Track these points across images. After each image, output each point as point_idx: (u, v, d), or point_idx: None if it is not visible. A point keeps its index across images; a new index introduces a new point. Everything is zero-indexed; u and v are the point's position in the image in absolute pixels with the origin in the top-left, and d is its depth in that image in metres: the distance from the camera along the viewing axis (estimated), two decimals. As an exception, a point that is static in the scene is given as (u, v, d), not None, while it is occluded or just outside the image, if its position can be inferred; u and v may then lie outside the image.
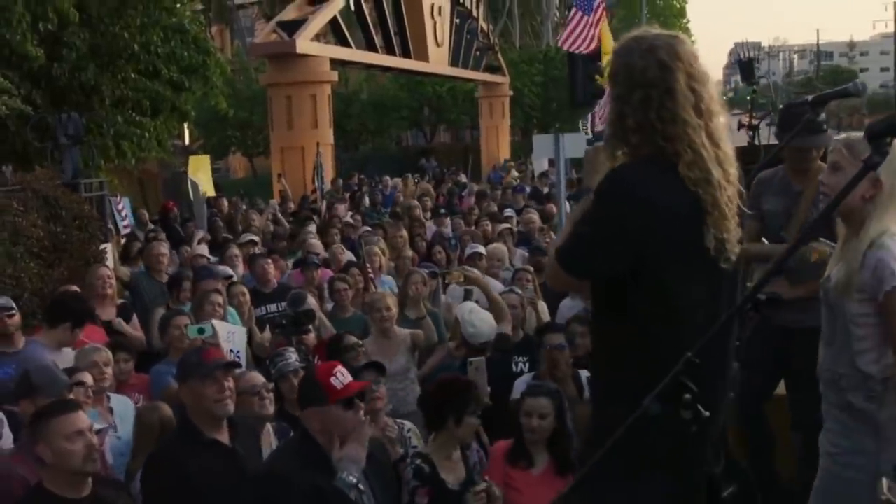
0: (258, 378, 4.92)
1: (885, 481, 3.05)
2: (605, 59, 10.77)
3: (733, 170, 2.71)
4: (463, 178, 25.75)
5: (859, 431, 3.20)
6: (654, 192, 2.62)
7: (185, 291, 7.53)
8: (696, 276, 2.65)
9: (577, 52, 11.38)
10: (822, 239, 4.46)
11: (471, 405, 4.47)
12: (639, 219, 2.60)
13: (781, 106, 4.87)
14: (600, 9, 11.29)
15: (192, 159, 15.68)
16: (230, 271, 8.53)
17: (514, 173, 25.08)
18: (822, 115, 4.36)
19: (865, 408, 3.18)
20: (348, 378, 3.92)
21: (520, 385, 5.70)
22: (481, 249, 8.98)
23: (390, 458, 4.50)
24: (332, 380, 3.85)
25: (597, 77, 11.16)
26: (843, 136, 3.30)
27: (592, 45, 11.32)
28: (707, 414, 2.05)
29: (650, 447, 2.48)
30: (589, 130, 13.86)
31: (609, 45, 11.08)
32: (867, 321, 3.17)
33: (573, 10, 11.34)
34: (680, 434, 2.14)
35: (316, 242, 10.17)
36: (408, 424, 5.04)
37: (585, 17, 11.08)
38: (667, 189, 2.62)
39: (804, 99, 3.77)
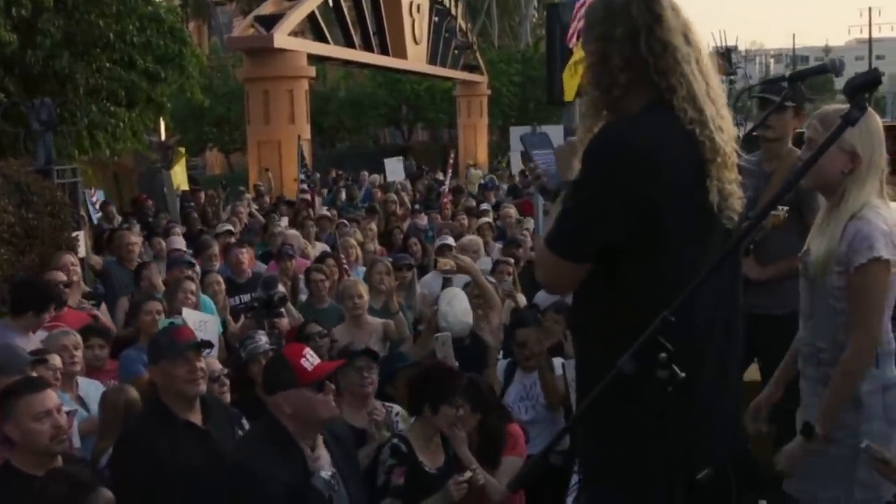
0: (215, 364, 4.90)
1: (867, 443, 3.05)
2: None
3: (726, 112, 2.50)
4: (440, 176, 25.74)
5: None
6: (649, 141, 2.38)
7: (147, 280, 7.49)
8: (699, 237, 2.42)
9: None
10: (778, 206, 4.45)
11: (449, 395, 4.41)
12: (635, 174, 2.34)
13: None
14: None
15: (178, 152, 15.67)
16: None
17: (474, 172, 25.17)
18: (801, 92, 4.36)
19: None
20: (317, 360, 3.85)
21: (498, 372, 5.77)
22: (450, 241, 8.97)
23: (353, 439, 4.46)
24: (303, 361, 3.76)
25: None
26: (816, 111, 3.27)
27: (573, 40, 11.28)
28: (683, 375, 2.01)
29: (633, 410, 2.32)
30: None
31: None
32: (846, 294, 3.14)
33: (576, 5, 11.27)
34: (659, 396, 2.07)
35: (293, 233, 10.14)
36: (396, 408, 4.98)
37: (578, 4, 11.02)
38: (664, 136, 2.40)
39: (782, 74, 3.76)
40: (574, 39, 11.02)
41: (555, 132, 10.87)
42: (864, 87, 1.97)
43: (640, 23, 2.42)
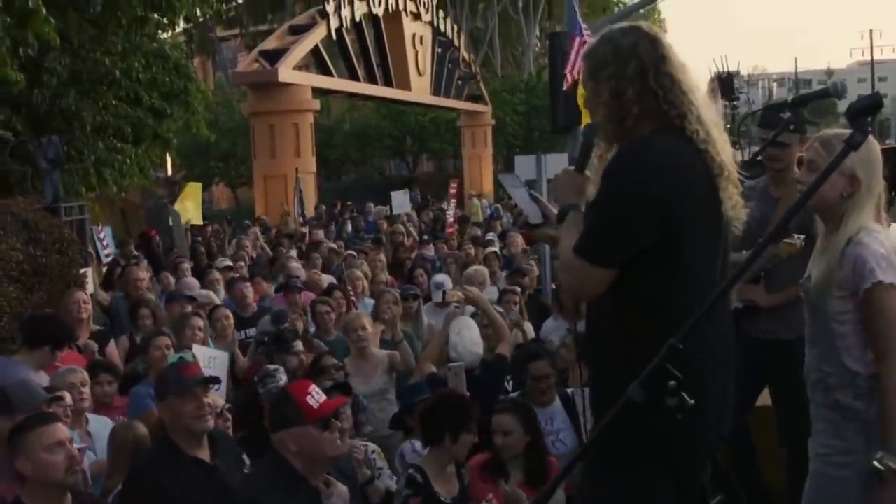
0: (219, 400, 4.88)
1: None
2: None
3: (725, 135, 2.77)
4: (445, 206, 25.77)
5: (849, 430, 3.15)
6: (670, 156, 2.65)
7: (144, 319, 7.51)
8: (713, 242, 2.71)
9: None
10: (794, 234, 4.45)
11: (468, 422, 4.43)
12: (660, 185, 2.61)
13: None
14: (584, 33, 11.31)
15: (189, 186, 15.72)
16: (213, 296, 8.49)
17: (476, 202, 25.18)
18: (803, 117, 4.37)
19: (854, 406, 3.14)
20: (323, 397, 3.82)
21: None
22: (446, 281, 8.63)
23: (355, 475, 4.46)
24: (308, 399, 3.73)
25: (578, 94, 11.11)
26: (817, 134, 3.29)
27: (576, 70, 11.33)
28: (692, 402, 2.00)
29: (642, 436, 2.47)
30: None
31: None
32: (848, 318, 3.13)
33: (573, 38, 11.35)
34: (668, 423, 2.09)
35: (297, 266, 10.16)
36: (371, 446, 5.01)
37: (578, 40, 11.09)
38: (681, 152, 2.67)
39: (784, 100, 3.77)
40: (574, 71, 11.08)
41: (559, 160, 10.89)
42: (867, 111, 1.97)
43: (648, 61, 2.72)
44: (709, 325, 2.58)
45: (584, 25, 11.22)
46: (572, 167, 2.97)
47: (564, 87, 11.15)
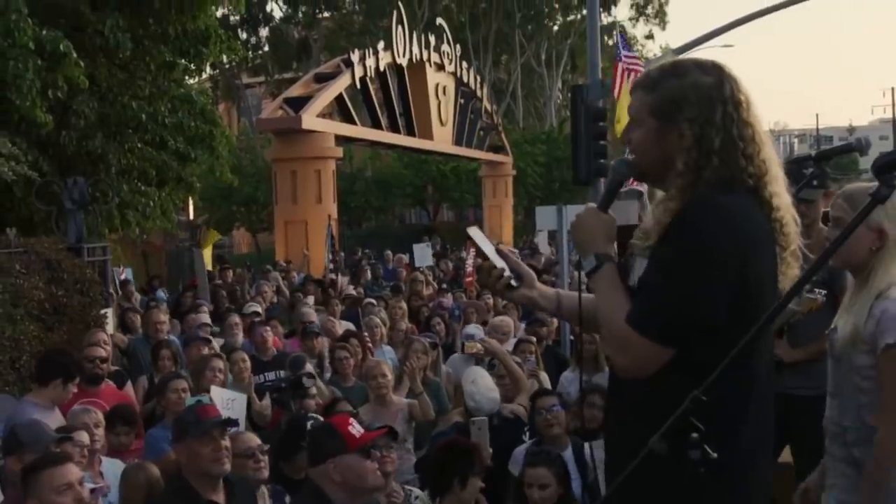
0: (253, 440, 4.81)
1: None
2: (619, 127, 10.81)
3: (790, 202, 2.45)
4: (465, 255, 25.76)
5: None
6: (749, 220, 2.31)
7: (165, 360, 7.51)
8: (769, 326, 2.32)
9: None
10: (815, 289, 4.42)
11: (475, 466, 4.42)
12: (742, 250, 2.26)
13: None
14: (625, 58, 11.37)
15: (210, 232, 15.85)
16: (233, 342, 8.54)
17: None
18: (826, 171, 4.37)
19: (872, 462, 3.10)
20: (361, 429, 3.82)
21: (518, 454, 5.63)
22: (477, 331, 8.66)
23: None
24: (350, 428, 3.74)
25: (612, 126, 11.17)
26: (841, 190, 3.27)
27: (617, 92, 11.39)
28: (715, 455, 1.97)
29: (666, 491, 2.23)
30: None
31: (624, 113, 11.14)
32: (872, 374, 3.09)
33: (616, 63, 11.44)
34: (692, 477, 2.01)
35: (310, 311, 10.15)
36: (416, 491, 4.94)
37: (620, 65, 11.16)
38: (754, 216, 2.34)
39: (808, 154, 3.76)
40: (619, 93, 11.10)
41: (580, 211, 10.90)
42: (893, 165, 1.96)
43: (730, 108, 2.37)
44: (745, 387, 2.33)
45: (625, 52, 11.24)
46: (593, 205, 2.54)
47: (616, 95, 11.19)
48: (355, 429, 3.75)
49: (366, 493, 3.75)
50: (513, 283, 2.62)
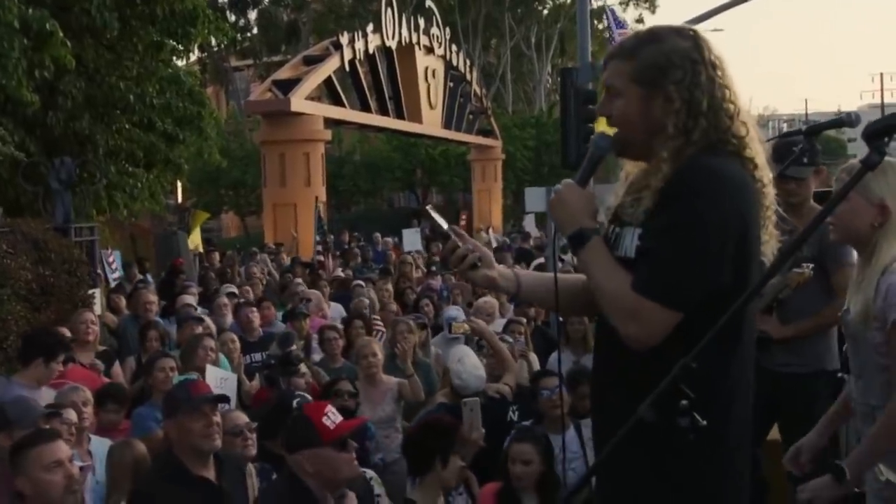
0: (241, 417, 4.81)
1: (882, 466, 2.95)
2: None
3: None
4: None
5: None
6: (742, 182, 2.31)
7: (152, 341, 7.51)
8: (751, 282, 2.29)
9: None
10: (803, 264, 4.41)
11: (455, 444, 4.40)
12: (742, 211, 2.27)
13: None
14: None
15: (199, 214, 15.82)
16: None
17: (484, 236, 25.17)
18: (817, 148, 4.36)
19: None
20: (339, 418, 3.80)
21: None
22: (458, 314, 8.66)
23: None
24: (325, 419, 3.71)
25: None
26: (844, 165, 3.23)
27: None
28: (704, 423, 1.97)
29: (657, 459, 2.26)
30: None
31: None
32: (888, 349, 3.05)
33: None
34: (680, 445, 2.03)
35: (306, 289, 10.15)
36: (369, 472, 4.96)
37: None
38: (746, 178, 2.33)
39: (798, 129, 3.75)
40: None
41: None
42: (885, 132, 1.94)
43: (711, 68, 2.36)
44: (734, 354, 2.34)
45: (618, 30, 11.19)
46: (570, 181, 2.48)
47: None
48: (330, 419, 3.71)
49: (340, 484, 3.74)
50: (478, 263, 2.57)
